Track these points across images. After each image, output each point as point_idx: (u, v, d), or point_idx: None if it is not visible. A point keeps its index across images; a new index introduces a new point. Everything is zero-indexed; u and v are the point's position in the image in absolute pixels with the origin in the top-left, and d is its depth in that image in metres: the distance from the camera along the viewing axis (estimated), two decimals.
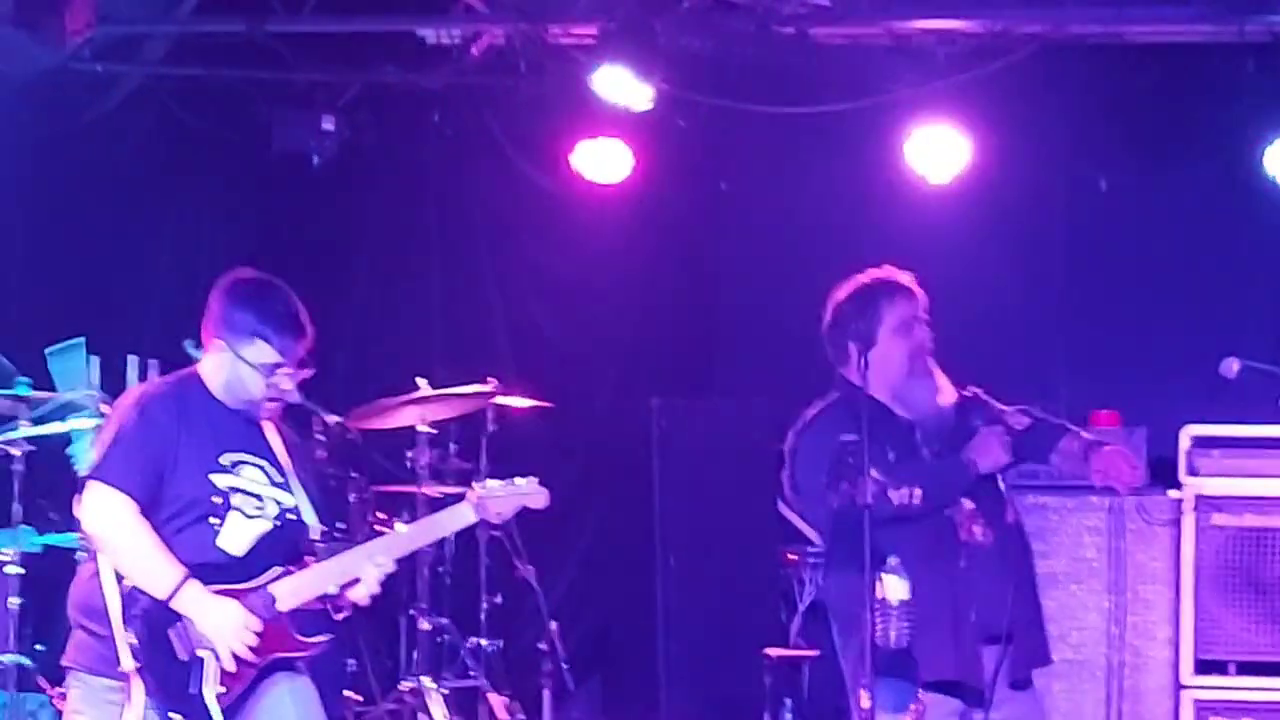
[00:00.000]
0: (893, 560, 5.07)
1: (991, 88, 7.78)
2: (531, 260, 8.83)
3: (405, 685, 7.33)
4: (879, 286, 5.50)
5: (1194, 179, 8.03)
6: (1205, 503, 7.39)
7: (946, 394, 5.51)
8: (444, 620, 7.57)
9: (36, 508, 7.06)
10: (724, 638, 7.91)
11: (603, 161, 8.26)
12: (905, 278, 5.49)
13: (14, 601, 6.82)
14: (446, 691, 7.33)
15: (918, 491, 5.32)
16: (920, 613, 5.13)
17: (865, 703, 5.11)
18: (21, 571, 6.86)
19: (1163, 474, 7.47)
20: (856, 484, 5.14)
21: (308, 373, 4.94)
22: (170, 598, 4.61)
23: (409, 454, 7.47)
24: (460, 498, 5.18)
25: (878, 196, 8.07)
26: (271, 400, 4.89)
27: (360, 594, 4.90)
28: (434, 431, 7.52)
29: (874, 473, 5.24)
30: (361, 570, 4.88)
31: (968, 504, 5.41)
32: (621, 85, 7.51)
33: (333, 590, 4.87)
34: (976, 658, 5.42)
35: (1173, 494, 7.45)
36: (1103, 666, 7.60)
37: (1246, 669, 7.33)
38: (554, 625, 7.59)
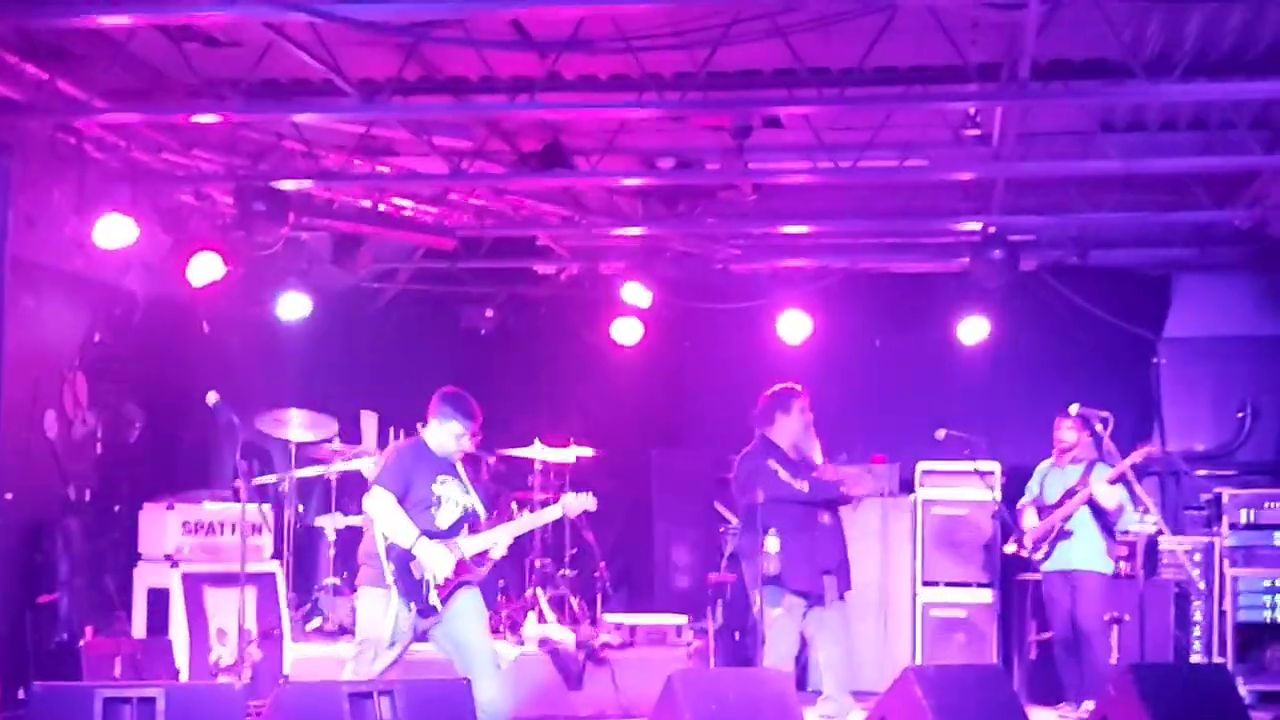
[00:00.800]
0: (772, 530, 8.16)
1: (822, 294, 11.87)
2: (592, 384, 12.51)
3: (529, 593, 10.93)
4: (789, 391, 8.66)
5: (923, 339, 11.85)
6: (928, 502, 11.41)
7: (817, 453, 8.65)
8: (547, 560, 11.16)
9: (342, 503, 10.79)
10: (689, 570, 11.89)
11: (627, 331, 11.92)
12: (799, 389, 8.72)
13: (330, 552, 10.77)
14: (548, 595, 10.92)
15: (805, 485, 8.30)
16: (786, 556, 8.17)
17: (757, 601, 8.19)
18: (334, 538, 10.73)
19: (908, 487, 11.53)
20: (754, 492, 8.26)
21: (479, 439, 7.61)
22: (412, 545, 7.13)
23: (529, 479, 11.23)
24: (552, 501, 8.27)
25: (764, 352, 11.68)
26: (460, 451, 7.47)
27: (499, 551, 7.42)
28: (542, 466, 11.20)
29: (782, 474, 8.23)
30: (500, 538, 7.49)
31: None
32: (637, 294, 11.52)
33: (491, 547, 7.41)
34: (819, 581, 8.33)
35: (912, 497, 11.44)
36: (878, 587, 11.32)
37: (948, 585, 11.27)
38: (603, 564, 11.22)
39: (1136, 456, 9.58)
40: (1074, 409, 9.53)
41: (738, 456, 8.74)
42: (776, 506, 8.34)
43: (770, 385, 10.47)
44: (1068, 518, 9.77)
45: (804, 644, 8.63)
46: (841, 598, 8.59)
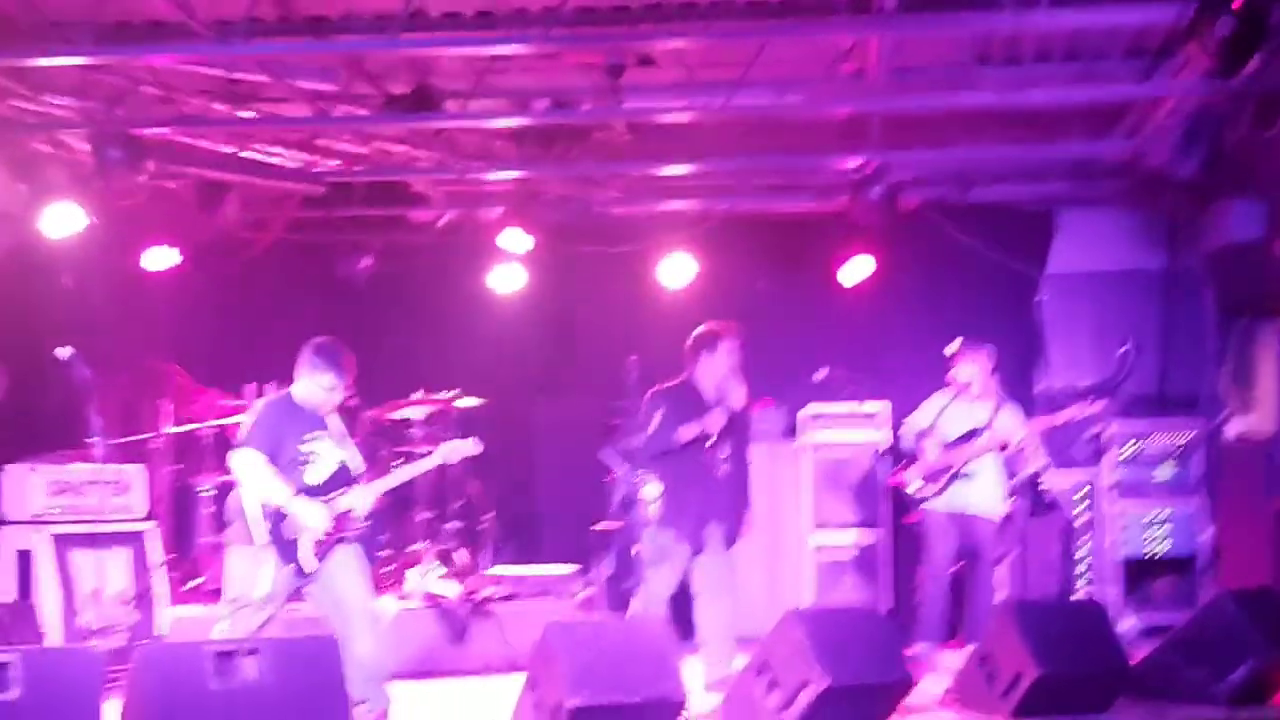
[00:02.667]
0: (652, 476, 8.38)
1: (704, 237, 11.86)
2: (471, 330, 12.14)
3: (412, 547, 10.69)
4: (715, 330, 8.62)
5: (807, 281, 11.82)
6: (815, 446, 11.42)
7: (739, 397, 8.47)
8: (433, 514, 10.89)
9: (221, 461, 10.05)
10: (576, 520, 11.38)
11: (507, 278, 11.91)
12: (729, 328, 8.57)
13: (208, 511, 10.73)
14: (433, 549, 10.65)
15: (683, 433, 8.32)
16: (671, 503, 8.37)
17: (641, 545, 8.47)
18: (212, 496, 10.69)
19: (794, 432, 11.58)
20: (658, 432, 8.32)
21: (352, 392, 7.53)
22: (285, 504, 7.08)
23: (411, 431, 11.00)
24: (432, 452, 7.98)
25: (647, 294, 11.76)
26: (331, 405, 7.36)
27: (364, 507, 7.34)
28: (423, 417, 11.00)
29: (656, 423, 8.29)
30: (375, 491, 7.43)
31: (723, 454, 8.33)
32: (516, 239, 11.25)
33: (368, 502, 7.36)
34: (700, 530, 8.44)
35: (799, 441, 11.49)
36: (765, 529, 10.65)
37: (836, 526, 11.35)
38: (489, 516, 11.26)
39: (1077, 412, 9.49)
40: (954, 346, 9.41)
41: (651, 392, 8.67)
42: (661, 453, 8.36)
43: (655, 329, 10.78)
44: (974, 458, 9.50)
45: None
46: (728, 547, 8.58)
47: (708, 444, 8.40)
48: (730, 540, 8.60)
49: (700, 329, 8.67)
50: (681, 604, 8.65)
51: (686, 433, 8.33)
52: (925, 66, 9.30)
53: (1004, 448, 9.43)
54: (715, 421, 8.33)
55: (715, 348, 8.57)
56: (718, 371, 8.55)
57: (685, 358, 8.65)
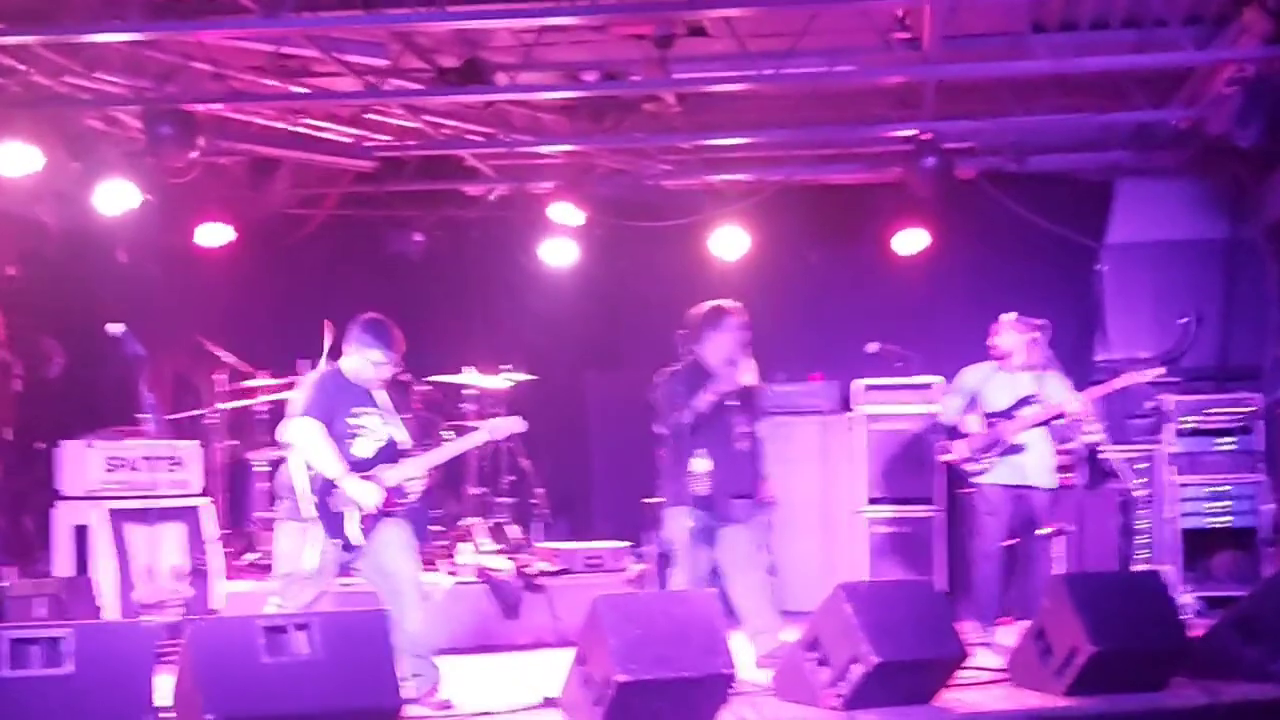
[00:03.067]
0: (700, 451, 7.98)
1: (757, 209, 11.74)
2: (523, 304, 12.35)
3: (465, 522, 10.74)
4: (721, 308, 8.43)
5: (861, 252, 11.89)
6: (868, 418, 11.26)
7: (748, 374, 8.25)
8: (484, 488, 10.97)
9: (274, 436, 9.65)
10: (628, 495, 10.86)
11: (558, 252, 11.81)
12: (734, 306, 8.45)
13: (263, 486, 10.63)
14: (485, 524, 10.75)
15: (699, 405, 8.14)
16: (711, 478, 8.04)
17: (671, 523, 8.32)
18: (266, 471, 10.47)
19: (847, 404, 11.40)
20: (678, 412, 8.16)
21: (399, 368, 7.42)
22: (339, 478, 7.04)
23: (462, 406, 11.08)
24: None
25: (700, 267, 11.68)
26: (380, 381, 7.32)
27: (417, 481, 7.29)
28: (475, 393, 11.04)
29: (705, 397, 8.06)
30: (423, 466, 7.35)
31: (741, 428, 8.15)
32: (567, 213, 11.28)
33: (417, 476, 7.30)
34: (727, 503, 8.19)
35: (851, 414, 11.35)
36: (819, 504, 11.35)
37: (890, 501, 11.19)
38: (540, 491, 11.13)
39: (1131, 379, 9.26)
40: (1009, 318, 9.22)
41: (662, 375, 8.55)
42: (687, 429, 8.20)
43: (706, 303, 10.58)
44: (1027, 428, 9.18)
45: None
46: (751, 521, 8.45)
47: (724, 411, 8.25)
48: (752, 514, 8.46)
49: (704, 306, 8.55)
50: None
51: (703, 401, 8.19)
52: (979, 34, 9.21)
53: (1059, 417, 9.14)
54: (726, 383, 8.19)
55: (720, 325, 8.44)
56: (724, 349, 8.41)
57: (689, 337, 8.52)
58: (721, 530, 8.29)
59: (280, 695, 5.96)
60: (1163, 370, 9.34)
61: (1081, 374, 10.37)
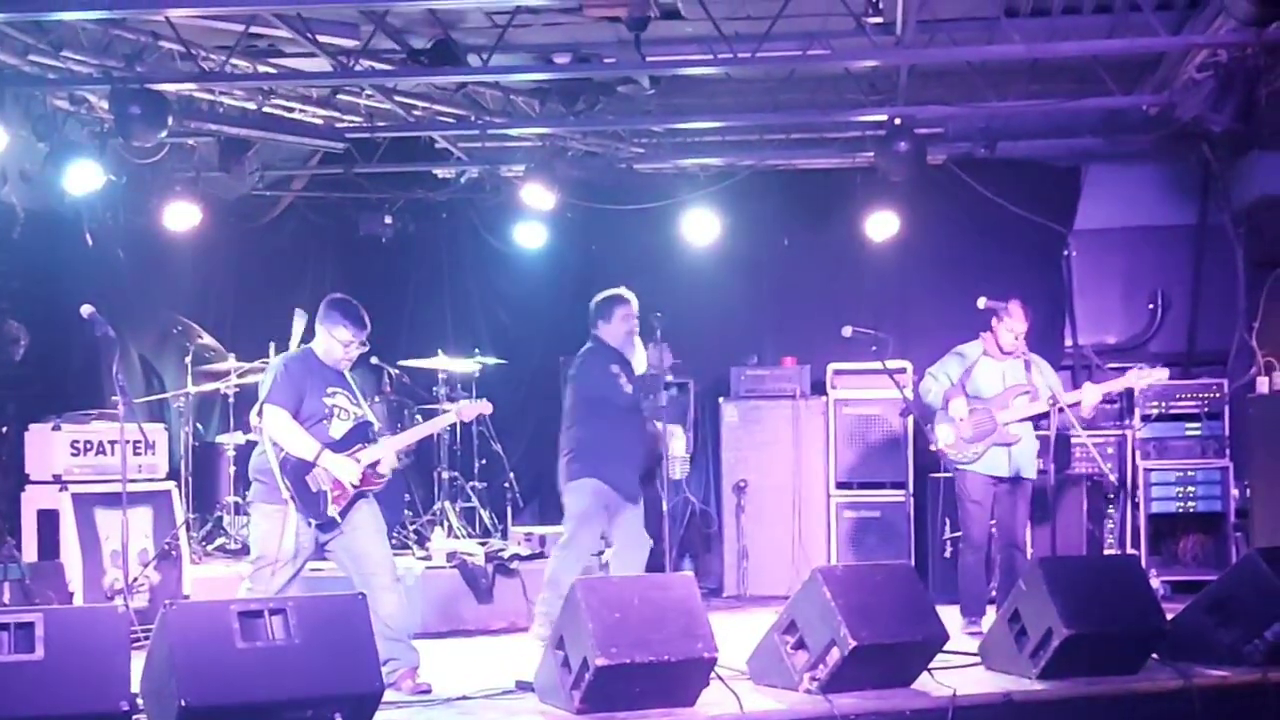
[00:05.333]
0: (678, 428, 9.25)
1: (729, 193, 11.82)
2: (493, 287, 12.49)
3: (436, 506, 10.86)
4: (612, 298, 8.57)
5: (832, 236, 11.91)
6: (839, 402, 11.36)
7: (640, 361, 8.49)
8: (456, 473, 11.08)
9: (241, 419, 10.42)
10: None
11: (531, 234, 11.97)
12: (628, 293, 8.51)
13: (230, 470, 10.67)
14: (457, 508, 10.92)
15: (630, 388, 8.36)
16: (606, 456, 8.30)
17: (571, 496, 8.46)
18: (234, 455, 10.64)
19: (819, 389, 11.46)
20: (607, 389, 8.33)
21: (366, 348, 7.41)
22: (316, 458, 7.11)
23: (434, 390, 11.14)
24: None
25: (672, 251, 11.86)
26: (348, 360, 7.35)
27: (389, 463, 7.33)
28: (446, 377, 11.11)
29: (622, 379, 8.29)
30: (397, 446, 7.50)
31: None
32: (538, 196, 11.13)
33: (390, 456, 7.34)
34: (632, 483, 8.48)
35: (824, 398, 11.39)
36: (791, 488, 11.35)
37: (861, 485, 11.28)
38: (512, 475, 11.30)
39: (1136, 379, 9.11)
40: (981, 302, 9.13)
41: (577, 354, 8.71)
42: (612, 408, 8.38)
43: (678, 287, 11.05)
44: (1024, 418, 9.05)
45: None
46: (638, 502, 8.56)
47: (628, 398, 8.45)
48: (640, 496, 8.60)
49: (598, 296, 8.65)
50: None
51: (628, 385, 8.37)
52: (953, 19, 9.19)
53: (1059, 410, 8.90)
54: (639, 367, 8.46)
55: (610, 315, 8.54)
56: (616, 337, 8.52)
57: (591, 322, 8.69)
58: (622, 507, 8.42)
59: (256, 681, 5.91)
60: (1166, 374, 9.25)
61: (1051, 359, 10.32)
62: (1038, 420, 9.18)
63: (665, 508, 9.79)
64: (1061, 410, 8.87)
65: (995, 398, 9.10)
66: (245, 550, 9.44)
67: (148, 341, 11.30)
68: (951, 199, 11.81)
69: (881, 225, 11.48)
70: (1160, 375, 9.16)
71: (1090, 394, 9.02)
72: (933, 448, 9.38)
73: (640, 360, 8.52)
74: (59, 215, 10.14)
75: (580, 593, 6.59)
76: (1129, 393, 10.80)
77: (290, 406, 7.17)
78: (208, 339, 10.91)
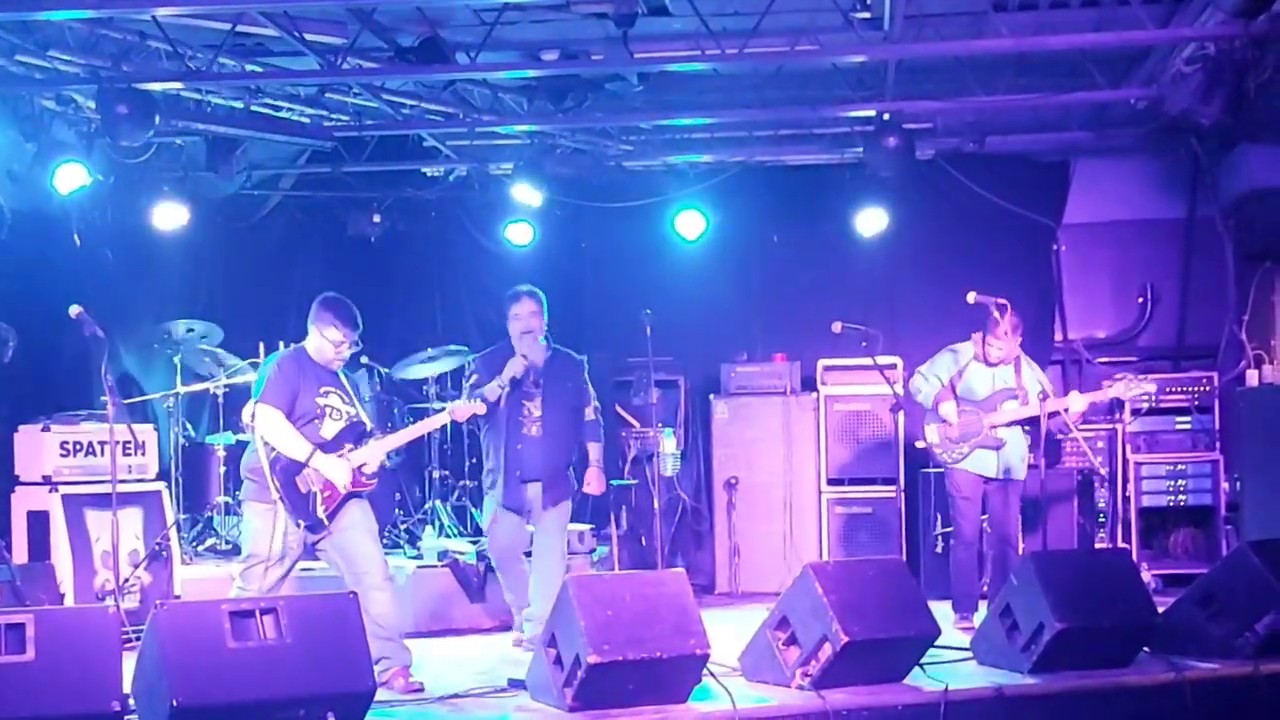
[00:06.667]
0: (669, 429, 9.50)
1: (718, 189, 11.83)
2: (482, 285, 12.29)
3: (428, 505, 10.89)
4: (510, 295, 8.48)
5: (822, 232, 11.89)
6: (830, 399, 11.32)
7: (536, 355, 8.33)
8: (446, 471, 11.10)
9: (231, 419, 10.62)
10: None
11: (519, 233, 11.95)
12: (527, 289, 8.41)
13: (221, 470, 10.63)
14: (448, 506, 10.89)
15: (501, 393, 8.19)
16: (494, 465, 8.36)
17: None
18: (224, 455, 10.63)
19: (810, 385, 11.44)
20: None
21: (358, 348, 7.43)
22: (307, 459, 7.13)
23: (424, 389, 11.16)
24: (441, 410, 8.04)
25: (661, 248, 11.90)
26: (340, 360, 7.35)
27: (373, 464, 7.27)
28: (434, 375, 11.13)
29: (487, 385, 8.17)
30: (388, 448, 7.48)
31: (533, 412, 8.22)
32: (527, 194, 11.24)
33: (380, 457, 7.35)
34: (521, 492, 8.36)
35: (814, 395, 11.35)
36: (782, 485, 11.37)
37: (852, 481, 11.24)
38: None
39: (1126, 389, 9.12)
40: (971, 297, 9.11)
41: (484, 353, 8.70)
42: (492, 418, 8.30)
43: (668, 284, 11.15)
44: (1013, 421, 9.05)
45: None
46: (547, 508, 8.43)
47: (520, 397, 8.31)
48: (551, 501, 8.42)
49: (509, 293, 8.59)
50: None
51: (490, 391, 8.22)
52: (941, 13, 9.18)
53: (1052, 415, 8.90)
54: (509, 372, 8.22)
55: (509, 313, 8.48)
56: (515, 337, 8.44)
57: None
58: (508, 515, 8.41)
59: (248, 680, 5.90)
60: (1154, 386, 9.26)
61: (1041, 354, 10.42)
62: (1025, 421, 9.16)
63: (657, 505, 10.06)
64: (1053, 415, 8.91)
65: (985, 400, 9.11)
66: (236, 551, 9.58)
67: (137, 341, 11.25)
68: (940, 194, 11.84)
69: (871, 221, 11.50)
70: (1148, 388, 9.25)
71: (1076, 403, 9.08)
72: (919, 444, 9.40)
73: (535, 355, 8.39)
74: (47, 215, 10.13)
75: (572, 590, 6.57)
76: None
77: (283, 406, 7.16)
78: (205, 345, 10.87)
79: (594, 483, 8.51)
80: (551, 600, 7.80)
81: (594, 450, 8.57)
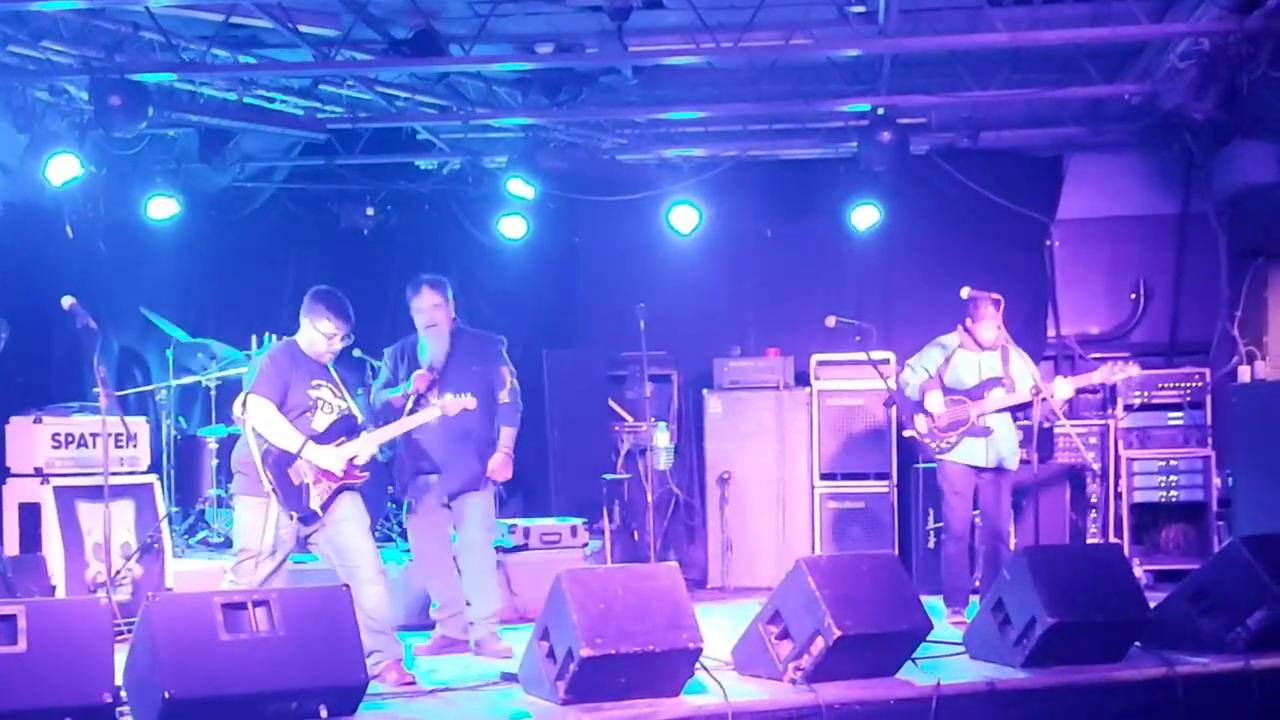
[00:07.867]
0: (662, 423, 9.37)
1: (712, 184, 11.79)
2: (476, 278, 12.36)
3: None
4: (411, 286, 8.19)
5: (815, 227, 11.91)
6: (823, 394, 11.34)
7: (438, 354, 8.04)
8: None
9: (223, 412, 10.57)
10: (584, 471, 11.39)
11: (513, 226, 12.00)
12: (429, 279, 8.07)
13: (213, 463, 10.59)
14: None
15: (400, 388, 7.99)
16: (398, 461, 8.13)
17: None
18: (216, 448, 10.67)
19: (803, 379, 11.45)
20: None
21: (350, 340, 7.36)
22: (300, 450, 7.12)
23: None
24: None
25: (655, 241, 11.88)
26: (332, 353, 7.32)
27: (364, 456, 7.27)
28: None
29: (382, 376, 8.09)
30: (379, 441, 7.46)
31: (434, 408, 7.72)
32: (521, 187, 11.25)
33: (372, 450, 7.35)
34: (417, 483, 8.14)
35: (807, 389, 11.39)
36: (775, 479, 11.38)
37: (845, 476, 11.29)
38: None
39: (1109, 374, 9.10)
40: (965, 292, 9.13)
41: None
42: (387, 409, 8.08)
43: (661, 278, 11.11)
44: (1000, 410, 9.04)
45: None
46: (459, 495, 8.18)
47: (411, 403, 8.03)
48: (459, 491, 8.16)
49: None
50: None
51: (388, 395, 8.10)
52: (935, 8, 9.17)
53: (1041, 401, 8.94)
54: (415, 386, 8.00)
55: (410, 305, 8.23)
56: (420, 327, 8.20)
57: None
58: (417, 516, 8.30)
59: (240, 673, 5.90)
60: (1138, 369, 9.27)
61: (1034, 349, 10.40)
62: (1016, 411, 9.18)
63: (650, 499, 9.99)
64: (1045, 400, 8.91)
65: (972, 389, 9.10)
66: (228, 543, 9.59)
67: (130, 333, 11.27)
68: (934, 189, 11.83)
69: (865, 215, 11.52)
70: (1132, 370, 9.18)
71: (1062, 388, 9.09)
72: (906, 433, 9.42)
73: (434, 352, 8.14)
74: (39, 207, 10.11)
75: (565, 583, 6.55)
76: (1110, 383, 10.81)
77: (275, 398, 7.15)
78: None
79: (497, 468, 8.11)
80: (489, 594, 8.11)
81: (505, 434, 8.17)
